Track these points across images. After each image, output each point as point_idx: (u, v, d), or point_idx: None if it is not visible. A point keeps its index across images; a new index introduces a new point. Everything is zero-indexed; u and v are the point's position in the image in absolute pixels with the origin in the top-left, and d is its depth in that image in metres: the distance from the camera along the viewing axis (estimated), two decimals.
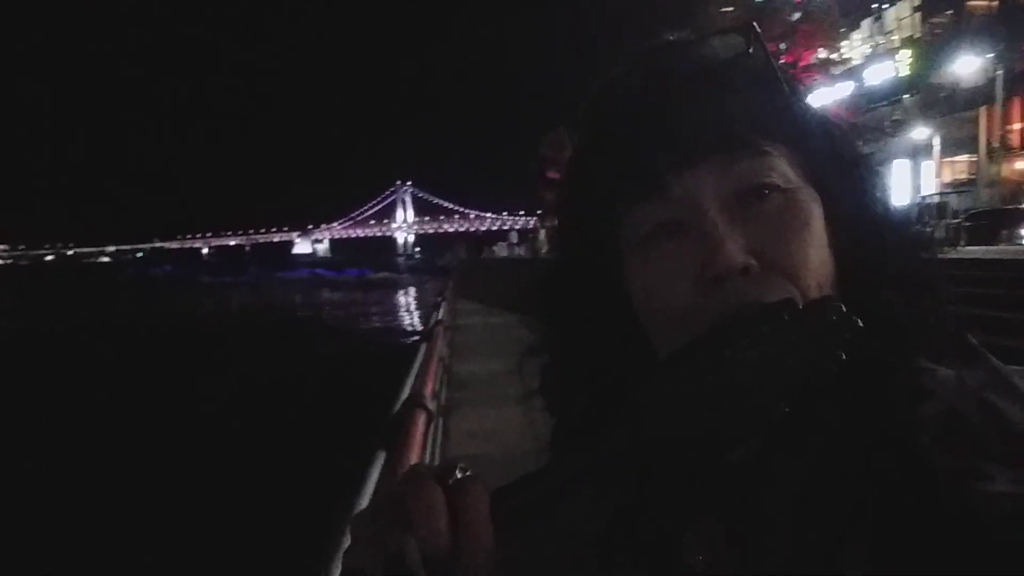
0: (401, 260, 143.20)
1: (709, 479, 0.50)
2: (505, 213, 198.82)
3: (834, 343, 0.41)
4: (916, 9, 33.24)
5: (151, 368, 20.12)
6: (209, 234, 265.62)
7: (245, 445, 10.69)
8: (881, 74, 31.30)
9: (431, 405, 2.94)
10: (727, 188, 0.49)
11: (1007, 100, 27.33)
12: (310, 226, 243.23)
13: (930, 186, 28.99)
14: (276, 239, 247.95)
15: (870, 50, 34.95)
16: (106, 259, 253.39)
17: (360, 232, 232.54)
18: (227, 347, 24.27)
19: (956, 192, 27.61)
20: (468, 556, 0.38)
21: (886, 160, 0.56)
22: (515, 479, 0.43)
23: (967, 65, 28.52)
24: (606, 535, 0.53)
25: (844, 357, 0.41)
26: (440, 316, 8.27)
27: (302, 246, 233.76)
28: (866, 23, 35.69)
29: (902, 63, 31.24)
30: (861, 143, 0.56)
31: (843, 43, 33.86)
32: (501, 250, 39.10)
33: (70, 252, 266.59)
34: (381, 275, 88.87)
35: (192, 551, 7.39)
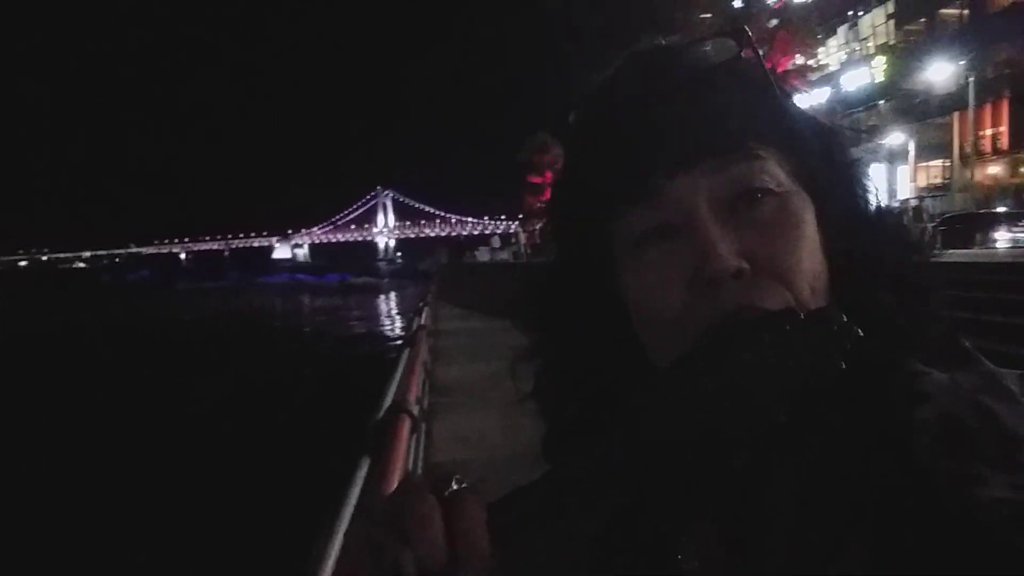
0: (382, 265, 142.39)
1: (706, 481, 0.49)
2: (486, 217, 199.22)
3: (834, 353, 0.41)
4: (890, 17, 33.81)
5: (138, 372, 19.88)
6: (187, 239, 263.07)
7: (228, 452, 10.61)
8: (857, 80, 31.81)
9: (415, 411, 2.93)
10: (720, 192, 0.49)
11: (979, 106, 27.86)
12: (290, 231, 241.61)
13: (905, 190, 29.47)
14: (255, 244, 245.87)
15: (846, 56, 35.48)
16: (82, 265, 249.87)
17: (341, 237, 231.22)
18: (207, 354, 24.04)
19: (931, 196, 28.09)
20: (465, 569, 0.38)
21: (864, 164, 0.57)
22: (512, 490, 0.42)
23: (940, 72, 29.03)
24: (604, 537, 0.52)
25: (843, 366, 0.41)
26: (423, 321, 8.26)
27: (282, 251, 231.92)
28: (842, 30, 36.23)
29: (877, 69, 31.76)
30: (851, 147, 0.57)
31: (820, 49, 34.31)
32: (483, 255, 39.00)
33: (44, 258, 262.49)
34: (362, 280, 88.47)
35: (179, 558, 7.32)
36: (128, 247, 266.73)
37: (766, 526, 0.48)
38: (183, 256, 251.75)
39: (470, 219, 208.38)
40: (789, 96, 0.55)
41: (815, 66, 31.54)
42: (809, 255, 0.49)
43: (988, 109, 28.94)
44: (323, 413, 11.68)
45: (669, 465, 0.42)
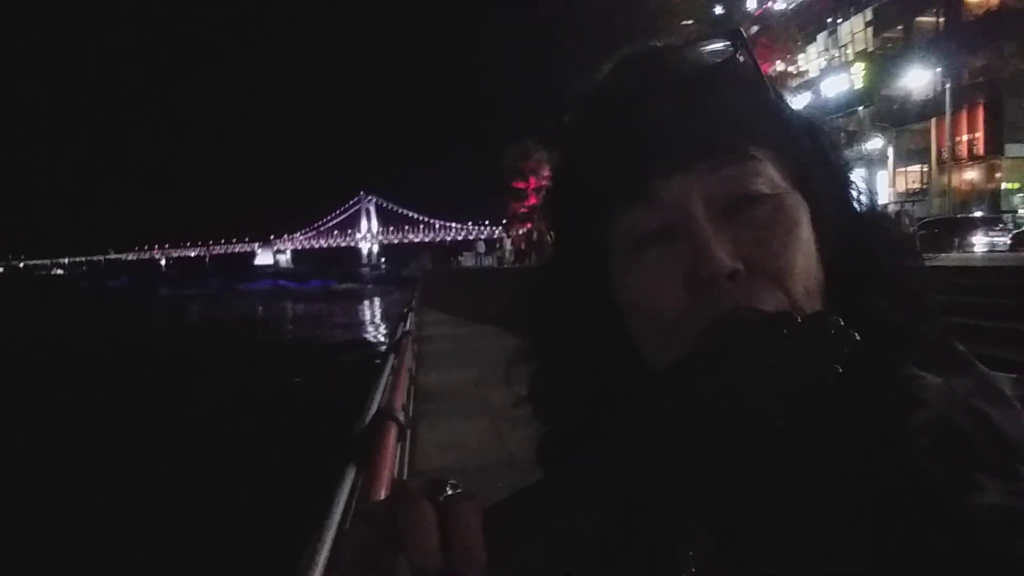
0: (366, 271, 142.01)
1: (705, 482, 0.49)
2: (470, 223, 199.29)
3: (831, 357, 0.41)
4: (868, 24, 34.28)
5: (116, 380, 19.61)
6: (167, 245, 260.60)
7: (212, 461, 10.50)
8: (836, 86, 32.20)
9: (401, 417, 2.91)
10: (715, 193, 0.49)
11: (955, 112, 28.29)
12: (272, 237, 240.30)
13: (885, 196, 29.83)
14: (237, 250, 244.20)
15: (826, 63, 35.91)
16: (60, 272, 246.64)
17: (324, 243, 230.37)
18: (188, 363, 23.81)
19: (909, 201, 28.46)
20: (461, 575, 0.38)
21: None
22: (508, 495, 0.41)
23: (917, 78, 29.48)
24: (601, 540, 0.53)
25: (840, 371, 0.41)
26: (407, 327, 8.22)
27: (264, 257, 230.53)
28: (821, 37, 36.67)
29: (856, 76, 32.17)
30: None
31: (800, 56, 34.71)
32: (467, 260, 38.98)
33: (21, 264, 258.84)
34: (345, 286, 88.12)
35: (164, 569, 7.24)
36: (107, 253, 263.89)
37: (764, 528, 0.48)
38: (163, 262, 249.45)
39: (454, 224, 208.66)
40: (783, 98, 0.55)
41: (795, 72, 31.90)
42: (804, 257, 0.49)
43: (964, 115, 29.38)
44: (307, 421, 11.60)
45: (668, 467, 0.42)
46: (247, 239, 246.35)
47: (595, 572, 0.53)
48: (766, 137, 0.51)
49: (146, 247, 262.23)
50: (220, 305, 63.68)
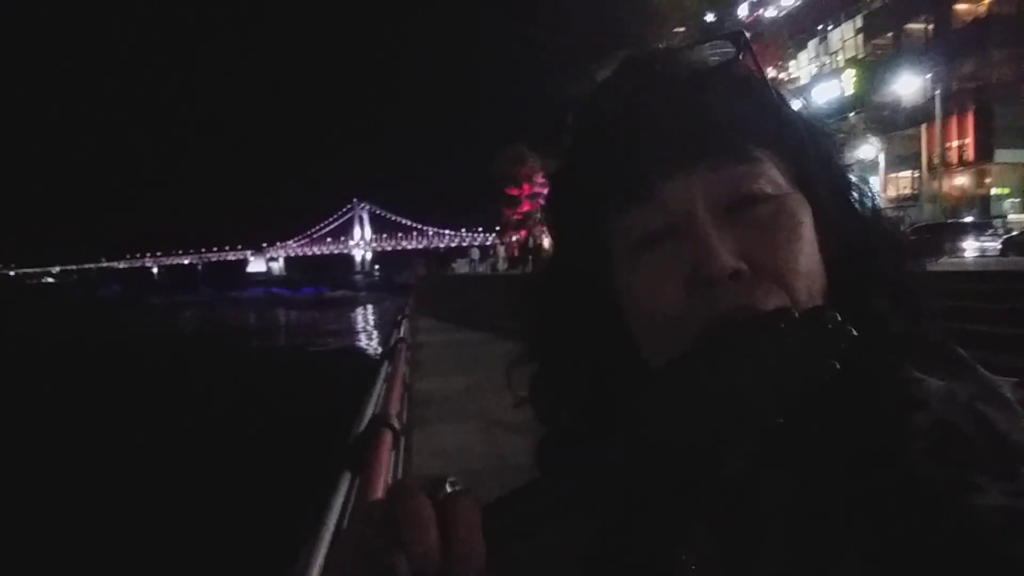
0: (359, 278, 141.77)
1: (702, 488, 0.49)
2: (463, 230, 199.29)
3: (828, 352, 0.41)
4: (859, 31, 34.54)
5: (108, 390, 19.49)
6: (159, 253, 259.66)
7: (205, 471, 10.45)
8: (827, 93, 32.36)
9: (396, 424, 2.91)
10: (717, 193, 0.49)
11: (945, 118, 28.50)
12: (264, 244, 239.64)
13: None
14: (230, 258, 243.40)
15: (817, 69, 36.14)
16: (51, 280, 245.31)
17: (316, 250, 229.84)
18: (180, 372, 23.69)
19: (901, 206, 28.63)
20: (459, 573, 0.37)
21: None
22: (507, 492, 0.41)
23: (907, 84, 29.69)
24: (601, 540, 0.53)
25: (838, 367, 0.41)
26: (401, 334, 8.21)
27: (256, 264, 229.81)
28: (812, 43, 36.92)
29: (847, 82, 32.37)
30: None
31: (791, 63, 34.95)
32: (461, 267, 38.94)
33: (12, 273, 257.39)
34: (339, 293, 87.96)
35: None
36: (99, 261, 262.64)
37: (762, 530, 0.47)
38: (155, 270, 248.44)
39: (447, 231, 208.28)
40: (785, 99, 0.55)
41: (786, 79, 32.09)
42: (806, 257, 0.49)
43: (954, 121, 29.63)
44: (301, 429, 11.55)
45: (668, 465, 0.42)
46: (240, 247, 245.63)
47: (595, 572, 0.53)
48: (768, 138, 0.51)
49: (138, 255, 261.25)
50: (212, 313, 63.42)
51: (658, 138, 0.50)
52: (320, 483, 2.03)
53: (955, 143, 30.07)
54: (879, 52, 33.26)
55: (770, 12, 37.09)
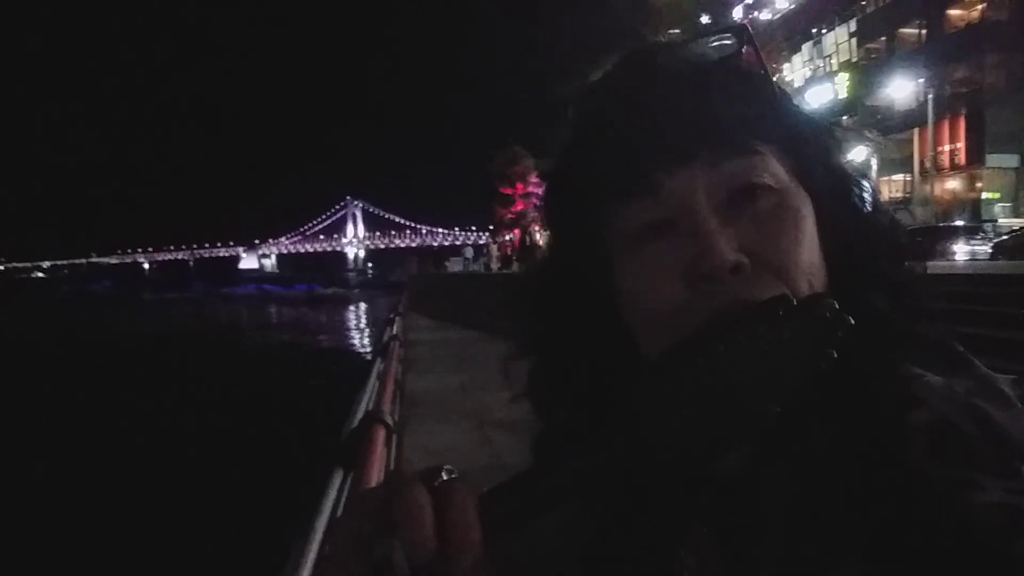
0: (352, 275, 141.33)
1: (700, 487, 0.49)
2: (457, 228, 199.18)
3: (826, 340, 0.41)
4: (852, 35, 34.72)
5: (101, 387, 19.39)
6: (151, 248, 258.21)
7: (196, 468, 10.41)
8: (821, 96, 32.51)
9: (389, 420, 2.91)
10: (718, 187, 0.49)
11: (937, 123, 28.68)
12: (257, 241, 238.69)
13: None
14: (222, 254, 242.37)
15: (810, 73, 36.32)
16: (40, 275, 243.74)
17: (309, 247, 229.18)
18: (172, 368, 23.60)
19: (893, 210, 28.74)
20: (456, 561, 0.37)
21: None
22: (504, 481, 0.41)
23: (900, 88, 29.87)
24: (596, 543, 0.53)
25: (835, 355, 0.41)
26: (394, 331, 8.21)
27: (248, 261, 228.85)
28: (806, 47, 37.11)
29: (840, 86, 32.54)
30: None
31: (785, 66, 35.08)
32: (454, 265, 38.84)
33: (2, 268, 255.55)
34: (331, 291, 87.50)
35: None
36: (90, 257, 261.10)
37: (762, 530, 0.47)
38: (146, 266, 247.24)
39: (440, 230, 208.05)
40: (788, 95, 0.54)
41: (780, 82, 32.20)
42: (807, 251, 0.49)
43: (946, 125, 29.82)
44: (293, 426, 11.53)
45: (666, 460, 0.41)
46: (232, 243, 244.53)
47: (594, 572, 0.52)
48: (770, 133, 0.51)
49: (129, 250, 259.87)
50: (204, 310, 63.15)
51: (659, 131, 0.49)
52: (313, 479, 2.03)
53: (947, 147, 30.27)
54: (872, 56, 33.46)
55: (764, 15, 37.25)
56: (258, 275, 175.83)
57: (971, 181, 30.03)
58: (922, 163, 30.10)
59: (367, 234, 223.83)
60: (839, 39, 35.46)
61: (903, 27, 32.68)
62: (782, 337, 0.41)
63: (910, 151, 30.51)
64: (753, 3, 38.49)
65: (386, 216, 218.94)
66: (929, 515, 0.40)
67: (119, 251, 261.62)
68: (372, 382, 3.98)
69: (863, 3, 34.89)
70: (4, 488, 9.90)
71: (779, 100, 0.53)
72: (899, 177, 32.49)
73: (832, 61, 35.46)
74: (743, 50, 0.53)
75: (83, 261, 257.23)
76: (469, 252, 40.14)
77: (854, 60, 34.02)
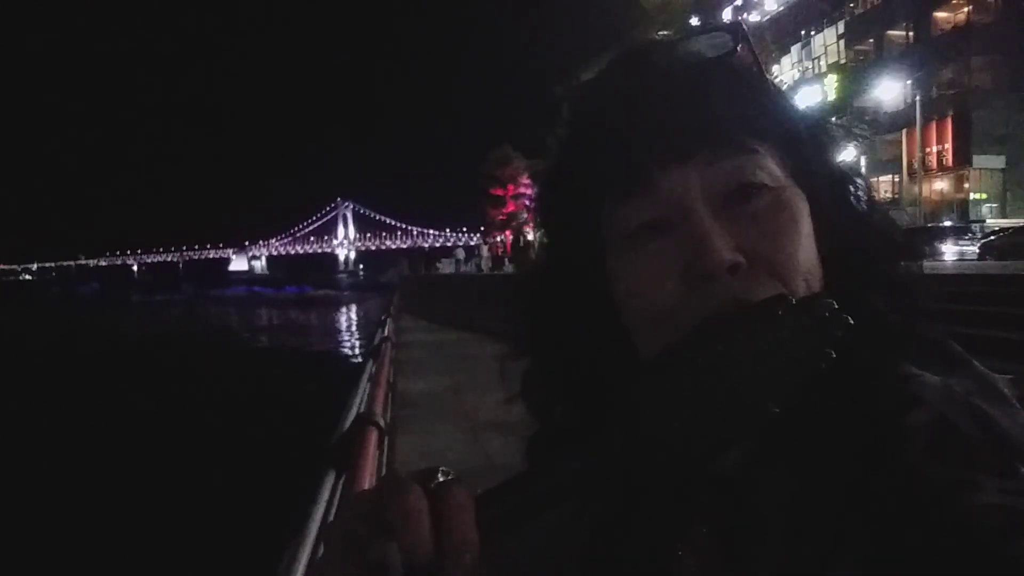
0: (342, 277, 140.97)
1: (699, 487, 0.49)
2: (448, 229, 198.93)
3: (825, 340, 0.41)
4: (840, 37, 34.96)
5: (90, 390, 19.24)
6: (140, 250, 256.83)
7: (187, 471, 10.34)
8: (810, 97, 32.66)
9: (382, 422, 2.90)
10: (715, 186, 0.48)
11: (925, 124, 28.90)
12: (247, 242, 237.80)
13: None
14: (211, 256, 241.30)
15: (799, 74, 36.51)
16: (28, 277, 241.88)
17: (300, 249, 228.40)
18: (162, 371, 23.45)
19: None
20: (452, 563, 0.36)
21: None
22: (501, 482, 0.40)
23: (888, 90, 30.06)
24: (595, 543, 0.52)
25: (834, 355, 0.40)
26: (386, 333, 8.18)
27: (238, 263, 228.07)
28: (795, 48, 37.34)
29: (829, 87, 32.72)
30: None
31: (774, 67, 35.25)
32: (446, 266, 38.74)
33: None
34: (322, 292, 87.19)
35: None
36: (78, 259, 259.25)
37: (761, 529, 0.47)
38: (136, 268, 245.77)
39: (432, 231, 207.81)
40: (784, 93, 0.54)
41: None
42: (804, 250, 0.48)
43: (934, 127, 30.06)
44: (284, 428, 11.47)
45: (665, 458, 0.41)
46: (221, 245, 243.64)
47: (592, 572, 0.52)
48: (766, 131, 0.50)
49: (118, 252, 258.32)
50: (193, 312, 62.78)
51: (655, 129, 0.49)
52: (305, 482, 2.02)
53: (935, 148, 30.51)
54: (861, 58, 33.69)
55: (753, 16, 37.43)
56: (248, 277, 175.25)
57: (959, 182, 30.29)
58: (910, 164, 30.32)
59: (358, 235, 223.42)
60: (827, 41, 35.70)
61: (891, 29, 32.93)
62: (781, 337, 0.41)
63: (898, 152, 30.76)
64: (742, 5, 38.69)
65: (377, 217, 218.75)
66: (928, 515, 0.40)
67: (108, 253, 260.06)
68: (364, 384, 3.97)
69: (851, 5, 35.16)
70: (4, 488, 9.83)
71: (775, 98, 0.53)
72: (887, 178, 32.73)
73: (821, 63, 35.68)
74: (738, 48, 0.53)
75: (71, 263, 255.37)
76: (461, 253, 39.97)
77: (842, 62, 34.22)
